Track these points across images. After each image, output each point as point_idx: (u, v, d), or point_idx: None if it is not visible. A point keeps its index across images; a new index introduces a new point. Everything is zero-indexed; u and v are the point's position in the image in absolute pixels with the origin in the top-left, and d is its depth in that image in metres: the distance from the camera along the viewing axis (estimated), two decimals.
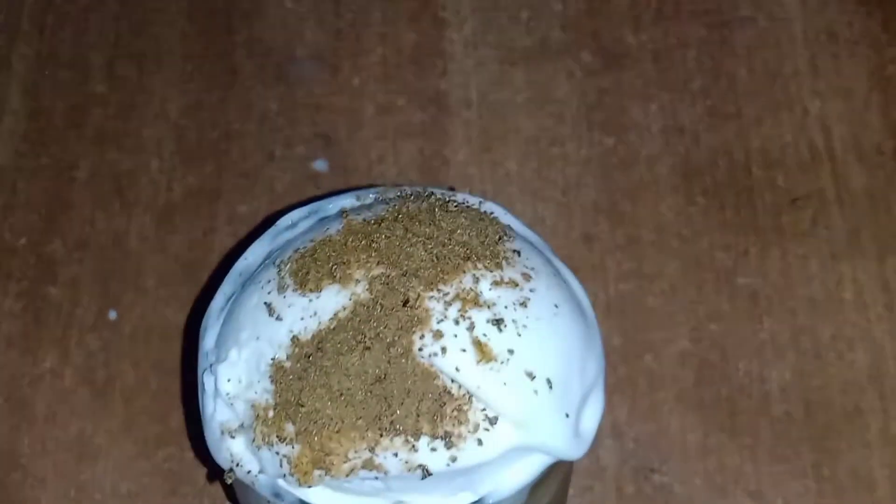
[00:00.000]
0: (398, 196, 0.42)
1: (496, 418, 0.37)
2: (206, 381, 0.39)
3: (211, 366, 0.39)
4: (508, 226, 0.41)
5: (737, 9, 0.69)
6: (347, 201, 0.43)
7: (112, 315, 0.60)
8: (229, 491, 0.55)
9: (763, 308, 0.60)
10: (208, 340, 0.41)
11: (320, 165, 0.64)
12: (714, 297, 0.60)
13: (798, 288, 0.60)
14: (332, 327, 0.37)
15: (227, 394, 0.39)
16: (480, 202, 0.42)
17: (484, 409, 0.37)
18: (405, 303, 0.37)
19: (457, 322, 0.37)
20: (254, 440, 0.38)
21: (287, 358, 0.37)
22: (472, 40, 0.68)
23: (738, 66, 0.67)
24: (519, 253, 0.39)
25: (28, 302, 0.61)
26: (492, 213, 0.41)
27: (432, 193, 0.41)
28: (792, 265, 0.61)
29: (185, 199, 0.64)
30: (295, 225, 0.43)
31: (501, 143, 0.65)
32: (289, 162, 0.65)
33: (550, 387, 0.37)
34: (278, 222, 0.43)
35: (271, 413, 0.37)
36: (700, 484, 0.55)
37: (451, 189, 0.42)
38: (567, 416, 0.38)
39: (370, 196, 0.43)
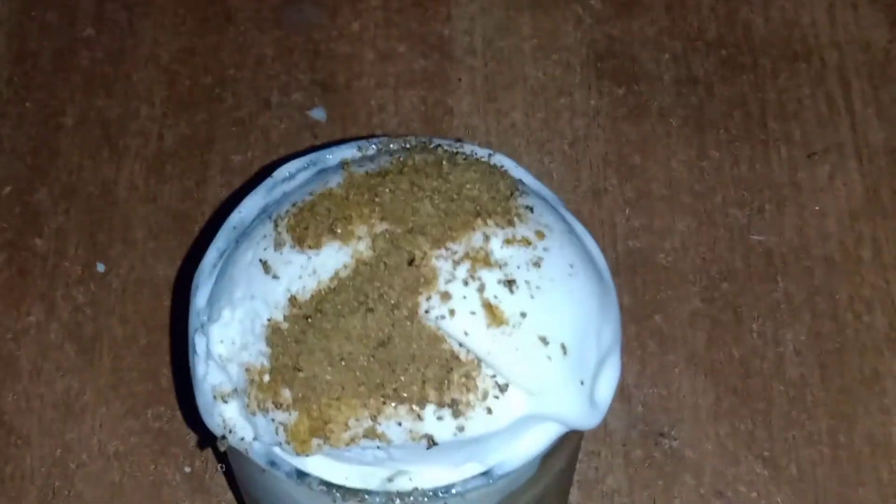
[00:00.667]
0: (402, 147, 0.40)
1: (507, 385, 0.35)
2: (198, 341, 0.37)
3: (203, 325, 0.37)
4: (520, 180, 0.39)
5: None
6: (348, 152, 0.41)
7: (100, 268, 0.58)
8: (222, 455, 0.53)
9: (778, 267, 0.57)
10: (200, 298, 0.38)
11: (318, 114, 0.62)
12: (727, 255, 0.58)
13: (814, 247, 0.58)
14: (332, 287, 0.35)
15: (220, 356, 0.36)
16: (490, 155, 0.40)
17: (494, 376, 0.34)
18: (411, 261, 0.34)
19: (466, 283, 0.34)
20: (248, 406, 0.36)
21: (284, 319, 0.35)
22: None
23: (754, 14, 0.64)
24: (532, 209, 0.37)
25: (12, 253, 0.58)
26: (502, 166, 0.39)
27: (439, 145, 0.39)
28: (808, 223, 0.58)
29: (177, 147, 0.61)
30: (293, 177, 0.40)
31: (507, 93, 0.62)
32: (285, 110, 0.62)
33: (565, 352, 0.35)
34: (275, 173, 0.41)
35: (267, 377, 0.35)
36: (711, 449, 0.53)
37: (459, 141, 0.40)
38: (582, 383, 0.36)
39: (372, 147, 0.41)
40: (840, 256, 0.58)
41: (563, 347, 0.35)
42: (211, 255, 0.39)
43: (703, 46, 0.63)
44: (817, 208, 0.59)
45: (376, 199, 0.36)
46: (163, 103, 0.62)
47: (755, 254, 0.58)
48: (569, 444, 0.39)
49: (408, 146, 0.40)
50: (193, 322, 0.38)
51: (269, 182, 0.41)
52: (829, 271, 0.57)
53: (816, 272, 0.57)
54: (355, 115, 0.62)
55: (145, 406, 0.55)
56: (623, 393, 0.54)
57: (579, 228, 0.39)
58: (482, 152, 0.40)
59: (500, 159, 0.40)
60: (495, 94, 0.62)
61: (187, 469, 0.53)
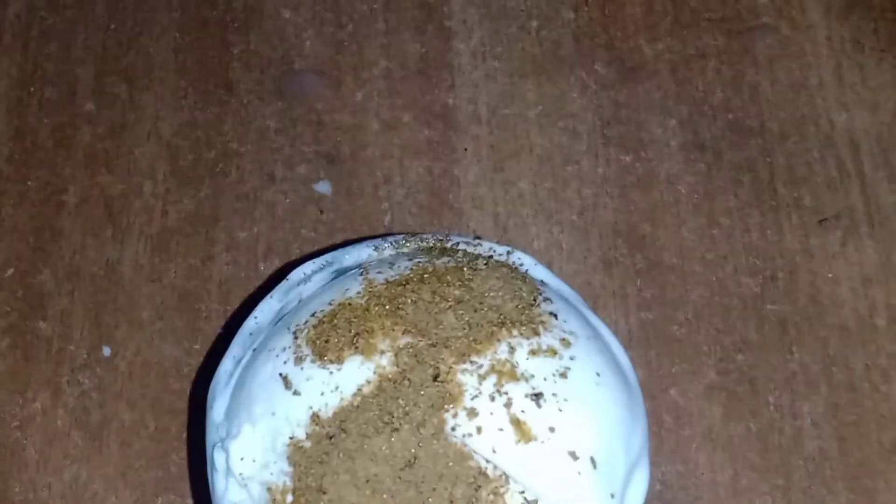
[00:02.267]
0: (419, 247, 0.39)
1: (536, 502, 0.34)
2: (217, 457, 0.36)
3: (222, 441, 0.36)
4: (541, 281, 0.38)
5: (757, 16, 0.65)
6: (364, 252, 0.40)
7: (106, 351, 0.57)
8: None
9: (793, 337, 0.57)
10: (217, 411, 0.37)
11: (323, 187, 0.61)
12: (741, 326, 0.57)
13: (829, 315, 0.57)
14: (355, 404, 0.34)
15: (241, 474, 0.35)
16: (508, 252, 0.39)
17: (523, 492, 0.34)
18: (435, 377, 0.34)
19: (492, 398, 0.34)
20: None
21: (306, 437, 0.34)
22: (481, 51, 0.65)
23: (761, 77, 0.64)
24: (556, 315, 0.36)
25: (16, 337, 0.57)
26: (522, 264, 0.38)
27: (458, 244, 0.38)
28: (822, 290, 0.58)
29: (181, 224, 0.60)
30: (308, 279, 0.40)
31: (513, 162, 0.62)
32: (290, 183, 0.61)
33: (594, 466, 0.34)
34: (290, 276, 0.40)
35: (290, 498, 0.34)
36: None
37: (477, 238, 0.39)
38: (612, 496, 0.35)
39: (388, 245, 0.40)
40: (855, 324, 0.57)
41: (593, 461, 0.34)
42: (227, 364, 0.38)
43: (710, 110, 0.63)
44: (830, 275, 0.58)
45: (398, 311, 0.35)
46: (165, 179, 0.62)
47: (769, 323, 0.57)
48: None
49: (426, 246, 0.39)
50: (212, 436, 0.37)
51: (284, 285, 0.40)
52: (844, 340, 0.57)
53: (831, 341, 0.57)
54: (361, 186, 0.61)
55: (155, 494, 0.54)
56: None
57: (603, 329, 0.39)
58: (500, 249, 0.39)
59: (520, 257, 0.39)
60: (501, 163, 0.62)
61: None
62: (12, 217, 0.60)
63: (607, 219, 0.60)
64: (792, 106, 0.63)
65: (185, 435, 0.55)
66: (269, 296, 0.39)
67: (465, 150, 0.62)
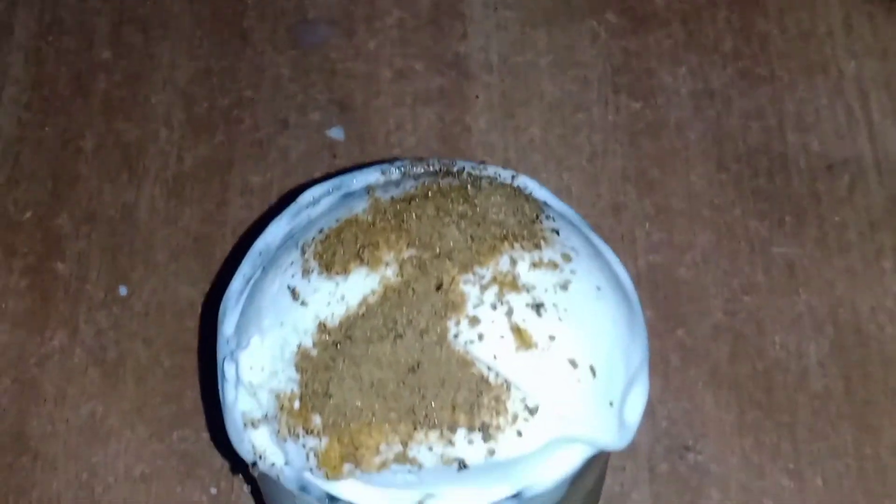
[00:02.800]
0: (426, 171, 0.40)
1: (536, 408, 0.35)
2: (227, 368, 0.37)
3: (232, 353, 0.37)
4: (545, 202, 0.39)
5: None
6: (372, 176, 0.41)
7: (122, 291, 0.58)
8: (249, 476, 0.53)
9: (800, 279, 0.57)
10: (227, 326, 0.38)
11: (336, 133, 0.62)
12: (748, 269, 0.58)
13: (836, 258, 0.58)
14: (361, 313, 0.35)
15: (250, 382, 0.36)
16: (514, 177, 0.40)
17: (523, 399, 0.35)
18: (438, 287, 0.34)
19: (494, 307, 0.34)
20: (278, 431, 0.36)
21: (313, 345, 0.35)
22: (492, 1, 0.66)
23: (770, 26, 0.64)
24: (558, 232, 0.37)
25: (34, 278, 0.58)
26: (526, 188, 0.39)
27: (463, 168, 0.39)
28: (829, 234, 0.58)
29: (196, 169, 0.61)
30: (317, 202, 0.41)
31: (524, 109, 0.63)
32: (303, 130, 0.62)
33: (594, 375, 0.35)
34: (299, 198, 0.41)
35: (297, 403, 0.35)
36: (736, 463, 0.53)
37: (482, 162, 0.40)
38: (611, 404, 0.36)
39: (395, 170, 0.41)
40: (862, 267, 0.57)
41: (592, 370, 0.35)
42: (237, 282, 0.39)
43: (720, 59, 0.64)
44: (837, 219, 0.59)
45: (403, 225, 0.36)
46: (181, 126, 0.63)
47: (777, 266, 0.58)
48: (597, 466, 0.39)
49: (432, 170, 0.40)
50: (222, 349, 0.38)
51: (293, 207, 0.41)
52: (851, 282, 0.57)
53: (838, 284, 0.57)
54: (373, 134, 0.62)
55: (170, 428, 0.55)
56: (647, 407, 0.54)
57: (605, 250, 0.39)
58: (506, 174, 0.40)
59: (524, 181, 0.40)
60: (512, 110, 0.63)
61: (213, 490, 0.53)
62: (31, 163, 0.62)
63: (616, 165, 0.61)
64: (801, 54, 0.64)
65: (199, 373, 0.56)
66: (278, 217, 0.40)
67: (477, 97, 0.63)
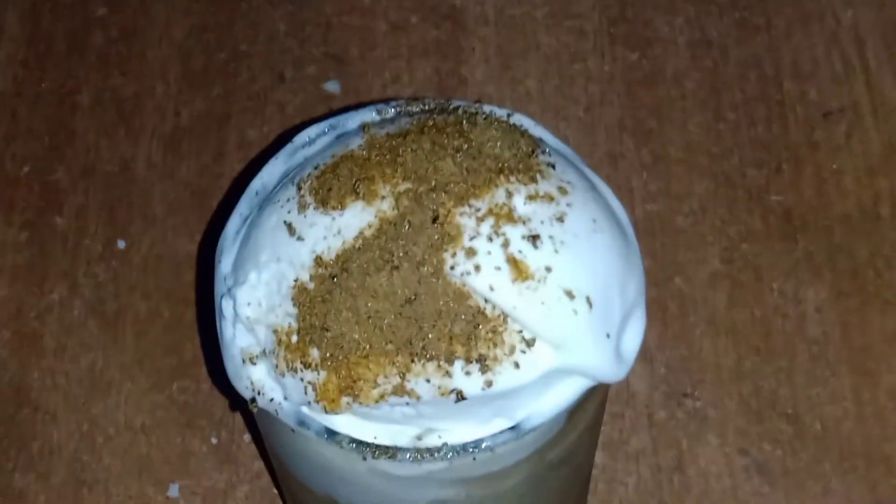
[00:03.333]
0: (422, 109, 0.40)
1: (533, 340, 0.35)
2: (225, 305, 0.37)
3: (229, 290, 0.37)
4: (540, 138, 0.39)
5: None
6: (368, 115, 0.41)
7: (121, 244, 0.58)
8: (250, 422, 0.53)
9: (797, 226, 0.57)
10: (225, 264, 0.38)
11: (332, 86, 0.62)
12: (746, 216, 0.58)
13: (833, 205, 0.58)
14: (357, 246, 0.35)
15: (247, 318, 0.36)
16: (509, 115, 0.40)
17: (520, 331, 0.35)
18: (434, 219, 0.34)
19: (490, 239, 0.34)
20: (276, 367, 0.36)
21: (310, 279, 0.35)
22: None
23: None
24: (554, 166, 0.37)
25: (33, 233, 0.59)
26: (522, 125, 0.39)
27: (459, 106, 0.39)
28: (826, 181, 0.58)
29: (193, 123, 0.61)
30: (312, 142, 0.41)
31: (521, 60, 0.62)
32: (299, 83, 0.62)
33: (590, 306, 0.35)
34: (295, 139, 0.41)
35: (294, 338, 0.35)
36: (735, 408, 0.53)
37: (478, 102, 0.40)
38: (608, 336, 0.36)
39: (391, 110, 0.41)
40: (859, 214, 0.58)
41: (589, 301, 0.35)
42: (234, 221, 0.39)
43: (716, 9, 0.63)
44: (835, 167, 0.59)
45: (398, 159, 0.36)
46: (177, 80, 0.63)
47: (774, 214, 0.58)
48: (595, 399, 0.39)
49: (427, 108, 0.40)
50: (219, 287, 0.38)
51: (289, 147, 0.41)
52: (848, 229, 0.57)
53: (836, 230, 0.57)
54: (370, 86, 0.62)
55: (170, 379, 0.55)
56: (645, 355, 0.54)
57: (601, 185, 0.39)
58: (501, 112, 0.40)
59: (520, 119, 0.40)
60: (509, 62, 0.62)
61: (214, 440, 0.53)
62: (28, 118, 0.62)
63: (613, 115, 0.61)
64: (797, 3, 0.63)
65: (197, 323, 0.56)
66: (274, 158, 0.40)
67: (473, 49, 0.63)
